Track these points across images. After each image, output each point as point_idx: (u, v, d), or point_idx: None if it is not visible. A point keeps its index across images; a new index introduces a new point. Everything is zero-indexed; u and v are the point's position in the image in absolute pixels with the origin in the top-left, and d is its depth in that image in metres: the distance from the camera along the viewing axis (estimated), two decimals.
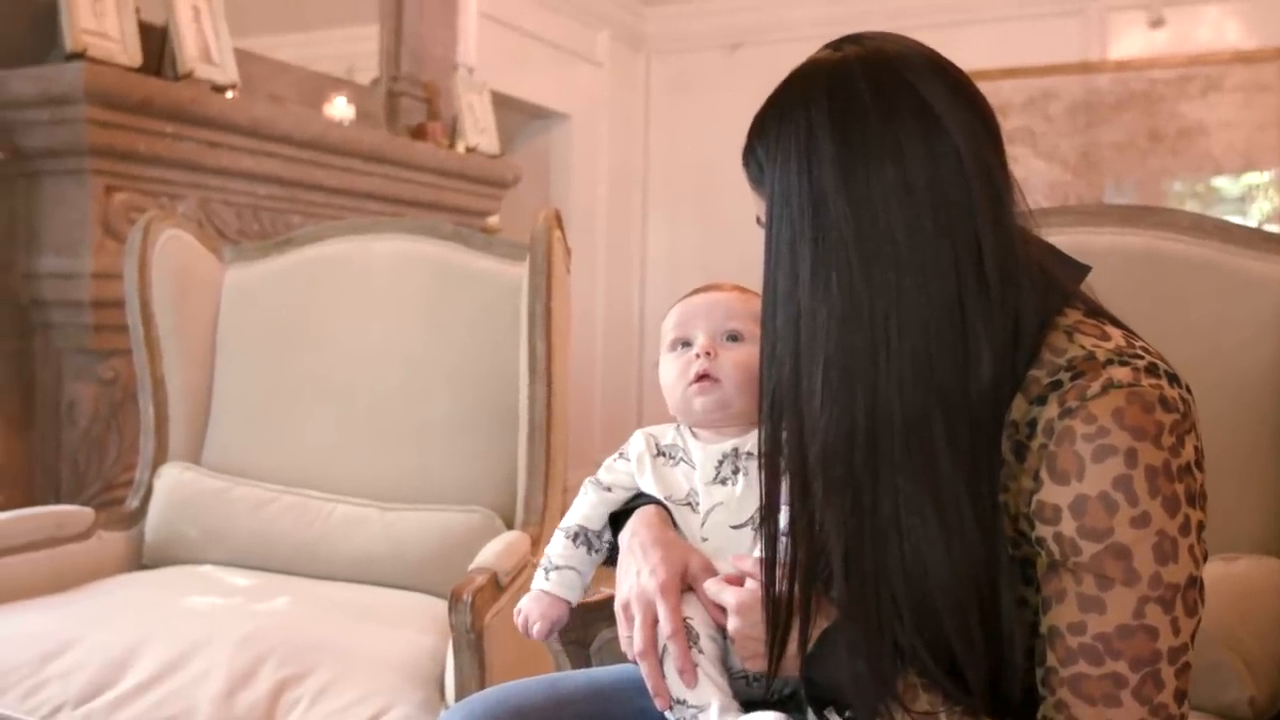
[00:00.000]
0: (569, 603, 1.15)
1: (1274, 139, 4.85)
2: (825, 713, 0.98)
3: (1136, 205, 1.78)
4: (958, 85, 0.93)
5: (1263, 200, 4.89)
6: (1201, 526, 0.88)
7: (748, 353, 1.12)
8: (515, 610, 1.16)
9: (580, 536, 1.16)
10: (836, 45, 0.95)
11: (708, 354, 1.12)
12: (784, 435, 0.93)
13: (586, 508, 1.17)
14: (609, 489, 1.18)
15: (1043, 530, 0.88)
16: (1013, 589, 0.90)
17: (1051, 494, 0.87)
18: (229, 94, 3.12)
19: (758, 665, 1.00)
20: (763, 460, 0.96)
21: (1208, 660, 1.37)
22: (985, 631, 0.89)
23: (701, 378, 1.12)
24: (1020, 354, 0.90)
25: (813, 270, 0.90)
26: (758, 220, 0.98)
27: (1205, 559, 0.89)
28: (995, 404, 0.90)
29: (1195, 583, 0.87)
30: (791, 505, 0.94)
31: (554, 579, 1.15)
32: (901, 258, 0.88)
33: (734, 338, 1.14)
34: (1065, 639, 0.87)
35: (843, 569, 0.91)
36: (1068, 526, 0.86)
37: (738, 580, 1.02)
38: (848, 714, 0.97)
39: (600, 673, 1.22)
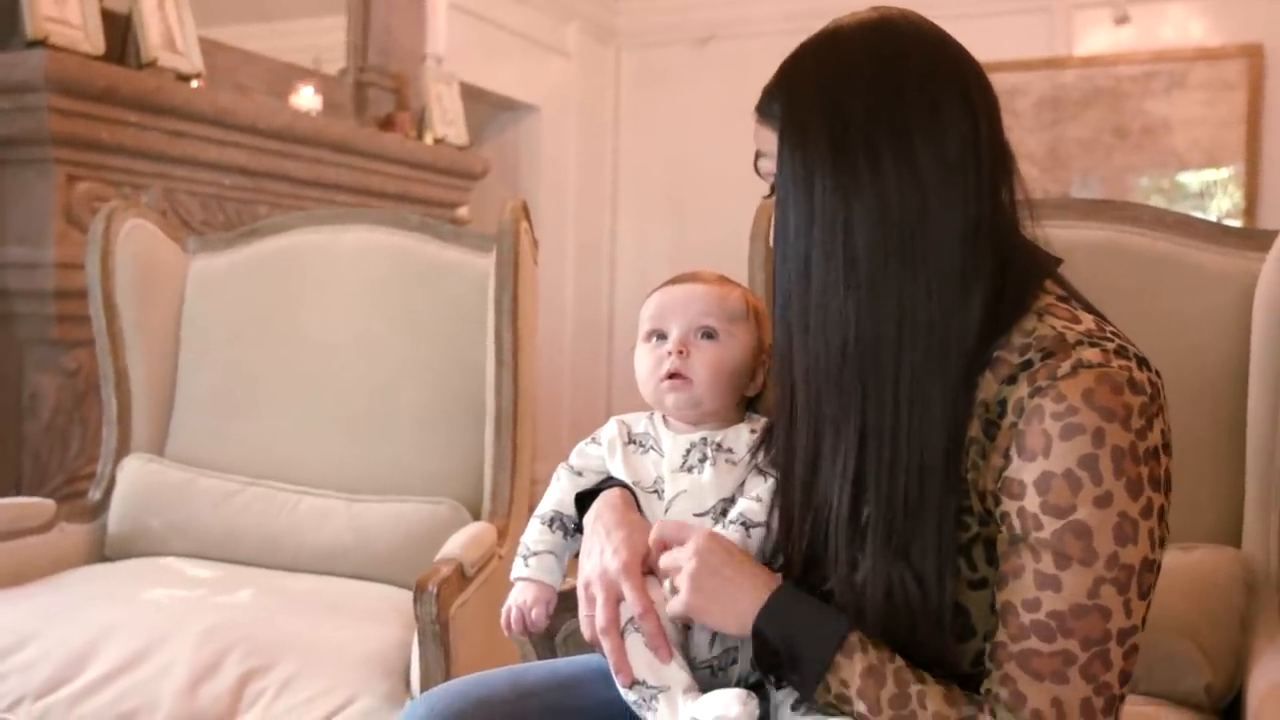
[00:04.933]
0: (552, 586, 1.15)
1: (1237, 136, 4.90)
2: (767, 683, 1.00)
3: (1099, 199, 1.80)
4: (981, 70, 0.98)
5: (1221, 197, 4.94)
6: (1164, 511, 0.89)
7: (721, 351, 1.13)
8: (504, 610, 1.15)
9: (556, 521, 1.17)
10: (874, 9, 1.00)
11: (680, 353, 1.13)
12: (794, 333, 0.96)
13: (559, 493, 1.18)
14: (580, 473, 1.18)
15: (1008, 505, 0.90)
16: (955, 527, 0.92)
17: (1018, 470, 0.89)
18: (194, 83, 3.09)
19: (704, 615, 1.00)
20: (776, 362, 1.00)
21: (1165, 650, 1.39)
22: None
23: (673, 376, 1.12)
24: (996, 322, 0.93)
25: (835, 176, 0.92)
26: (756, 158, 1.01)
27: (1165, 544, 0.91)
28: (969, 364, 0.92)
29: (1152, 566, 0.89)
30: (792, 403, 0.98)
31: (533, 564, 1.15)
32: (929, 178, 0.91)
33: (708, 335, 1.14)
34: (1019, 615, 0.89)
35: (856, 447, 0.93)
36: (1031, 502, 0.88)
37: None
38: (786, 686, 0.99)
39: (563, 663, 1.22)
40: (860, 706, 0.92)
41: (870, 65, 0.94)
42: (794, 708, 0.98)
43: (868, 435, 0.92)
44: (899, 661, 0.92)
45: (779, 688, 1.00)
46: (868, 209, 0.91)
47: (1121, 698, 0.90)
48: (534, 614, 1.13)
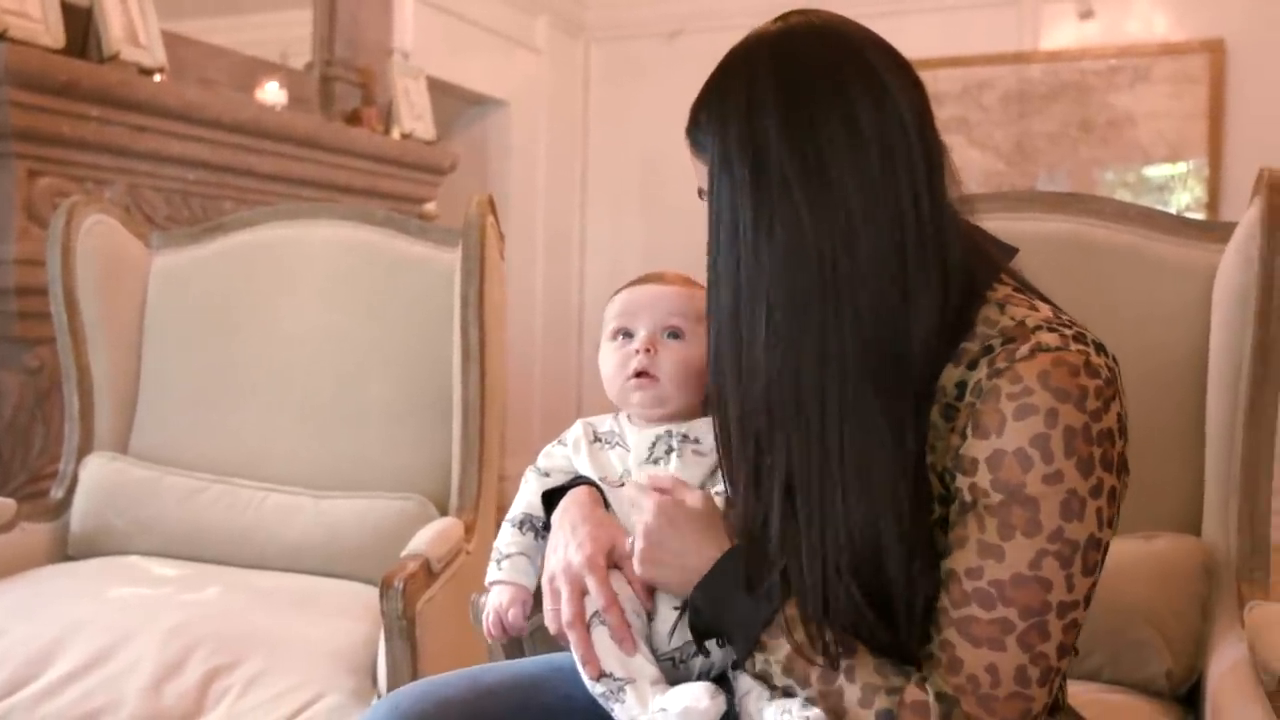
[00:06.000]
0: (527, 587, 1.15)
1: (1200, 130, 4.95)
2: (706, 644, 1.02)
3: (1062, 192, 1.81)
4: (899, 59, 0.96)
5: (1182, 191, 4.99)
6: (1114, 493, 0.90)
7: (688, 351, 1.13)
8: (484, 616, 1.15)
9: (526, 524, 1.17)
10: (781, 18, 0.98)
11: (648, 351, 1.13)
12: (728, 378, 0.95)
13: (528, 495, 1.18)
14: (547, 474, 1.18)
15: (961, 480, 0.91)
16: (921, 552, 0.92)
17: (972, 448, 0.90)
18: (157, 77, 3.06)
19: (653, 572, 1.02)
20: (714, 405, 0.99)
21: (1129, 637, 1.41)
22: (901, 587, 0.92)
23: (640, 374, 1.13)
24: (953, 322, 0.92)
25: (755, 213, 0.92)
26: (699, 193, 1.00)
27: (1113, 525, 0.91)
28: (929, 365, 0.92)
29: (1098, 544, 0.90)
30: (730, 447, 0.98)
31: (506, 567, 1.15)
32: (849, 200, 0.90)
33: (675, 334, 1.14)
34: (961, 582, 0.90)
35: (781, 502, 0.93)
36: (982, 478, 0.89)
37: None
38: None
39: (524, 663, 1.22)
40: (785, 682, 0.94)
41: (780, 92, 0.92)
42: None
43: (794, 484, 0.92)
44: (829, 636, 0.92)
45: (720, 647, 1.02)
46: (786, 248, 0.91)
47: (1058, 671, 0.90)
48: (511, 615, 1.13)
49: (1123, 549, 1.39)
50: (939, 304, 0.92)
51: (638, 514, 1.04)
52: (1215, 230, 1.59)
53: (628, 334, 1.16)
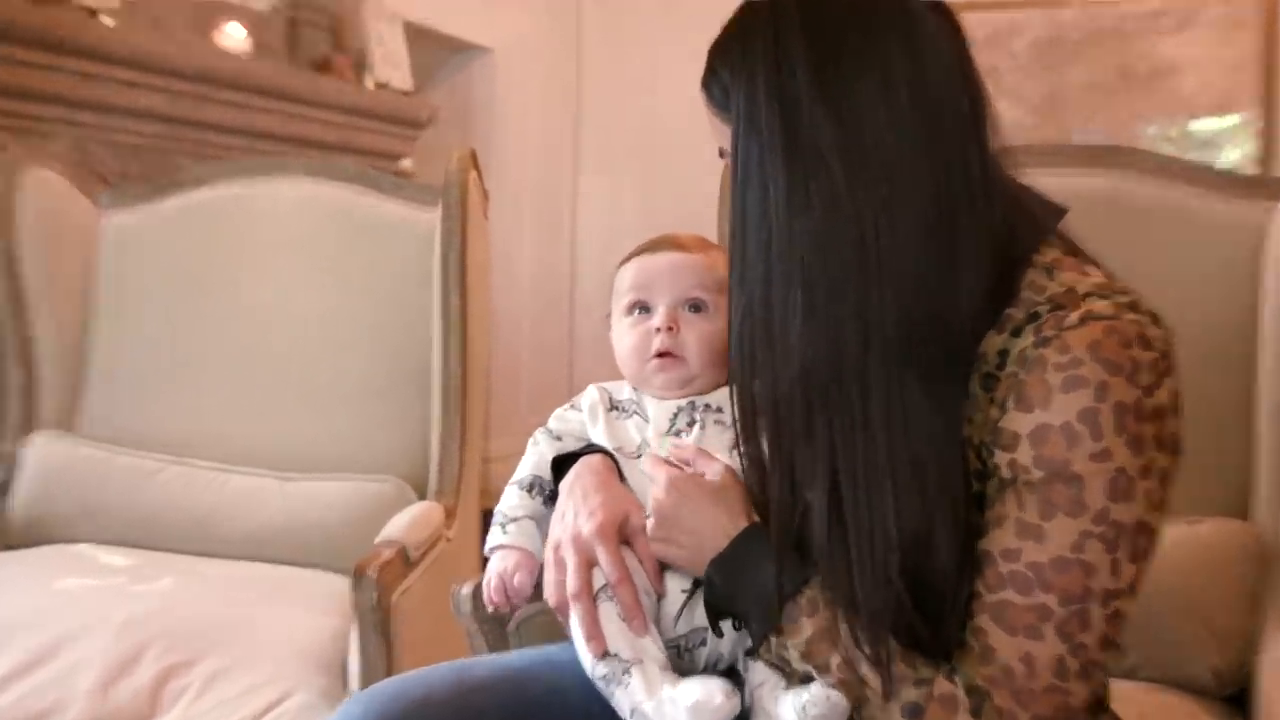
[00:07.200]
0: (533, 553, 1.14)
1: (1251, 80, 4.93)
2: (720, 625, 1.02)
3: (1099, 145, 1.80)
4: (945, 10, 0.94)
5: (1231, 147, 4.97)
6: (1166, 474, 0.89)
7: (712, 324, 1.13)
8: (484, 583, 1.15)
9: (535, 486, 1.16)
10: None
11: (669, 329, 1.12)
12: (757, 363, 0.95)
13: (537, 458, 1.18)
14: (560, 438, 1.18)
15: (1000, 456, 0.90)
16: (958, 537, 0.92)
17: (1014, 421, 0.89)
18: (107, 20, 3.04)
19: (665, 550, 1.03)
20: (735, 390, 0.98)
21: (1172, 632, 1.41)
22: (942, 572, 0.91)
23: (663, 354, 1.12)
24: (997, 287, 0.92)
25: (788, 184, 0.91)
26: (720, 153, 0.99)
27: (1164, 509, 0.91)
28: (973, 334, 0.91)
29: (1147, 529, 0.89)
30: (751, 432, 0.98)
31: (513, 531, 1.15)
32: (890, 164, 0.89)
33: (696, 307, 1.14)
34: (997, 564, 0.90)
35: (827, 496, 0.92)
36: (1024, 454, 0.88)
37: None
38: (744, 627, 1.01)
39: (509, 656, 1.22)
40: (804, 667, 0.95)
41: (809, 43, 0.90)
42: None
43: (840, 478, 0.92)
44: (855, 621, 0.92)
45: (735, 630, 1.03)
46: (822, 221, 0.90)
47: (1100, 665, 0.90)
48: (516, 580, 1.12)
49: (1163, 534, 1.39)
50: (986, 270, 0.91)
51: (652, 487, 1.04)
52: (1266, 186, 1.58)
53: (645, 308, 1.15)
